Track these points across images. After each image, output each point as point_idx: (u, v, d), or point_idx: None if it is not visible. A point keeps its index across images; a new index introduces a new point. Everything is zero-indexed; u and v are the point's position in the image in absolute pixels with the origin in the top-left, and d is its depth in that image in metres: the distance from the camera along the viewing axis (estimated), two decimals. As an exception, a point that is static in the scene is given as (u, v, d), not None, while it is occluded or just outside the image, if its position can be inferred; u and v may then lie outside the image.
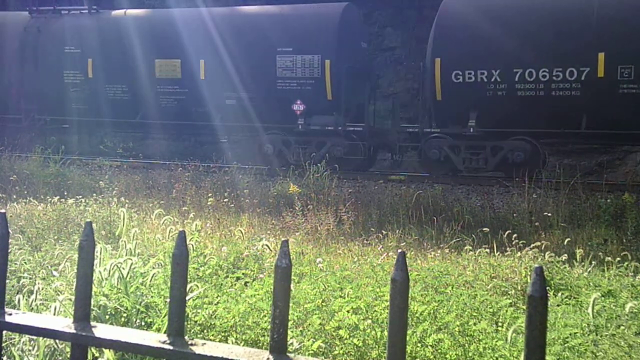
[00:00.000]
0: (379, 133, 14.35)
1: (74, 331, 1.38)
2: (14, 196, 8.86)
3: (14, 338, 3.15)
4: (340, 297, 3.75)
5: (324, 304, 3.63)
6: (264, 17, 14.43)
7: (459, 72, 12.24)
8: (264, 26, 14.12)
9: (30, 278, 4.40)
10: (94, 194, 8.38)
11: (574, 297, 4.57)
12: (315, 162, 12.53)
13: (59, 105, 15.73)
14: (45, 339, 2.91)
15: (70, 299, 3.21)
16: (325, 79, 13.46)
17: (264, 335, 3.30)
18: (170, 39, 14.57)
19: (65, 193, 9.01)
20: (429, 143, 12.85)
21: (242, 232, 6.31)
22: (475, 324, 3.44)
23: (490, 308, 3.97)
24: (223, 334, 3.34)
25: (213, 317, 3.42)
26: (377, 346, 3.20)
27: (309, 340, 3.20)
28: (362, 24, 15.56)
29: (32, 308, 3.48)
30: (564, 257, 5.41)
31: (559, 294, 4.59)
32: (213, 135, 15.30)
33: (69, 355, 1.61)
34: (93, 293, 2.39)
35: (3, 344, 1.52)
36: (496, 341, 3.25)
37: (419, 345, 3.18)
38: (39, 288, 3.64)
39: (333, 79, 13.40)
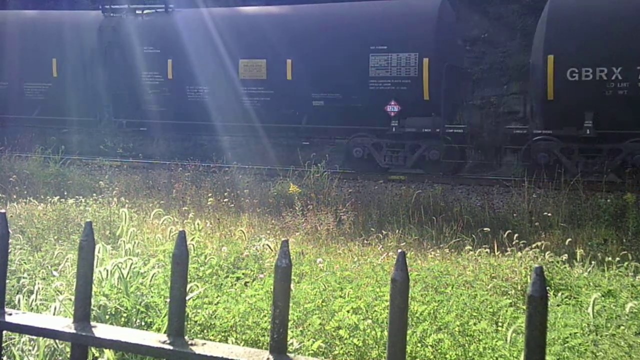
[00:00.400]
0: (478, 135, 13.29)
1: (74, 331, 1.38)
2: (14, 196, 8.86)
3: (14, 338, 3.15)
4: (340, 297, 3.75)
5: (324, 304, 3.63)
6: (356, 13, 13.70)
7: (575, 70, 11.47)
8: (356, 23, 13.43)
9: (30, 278, 4.40)
10: (94, 194, 8.38)
11: (574, 297, 4.56)
12: (408, 166, 12.05)
13: (136, 108, 15.15)
14: (45, 339, 2.91)
15: (70, 299, 3.21)
16: (422, 78, 12.75)
17: (264, 335, 3.30)
18: (255, 38, 13.98)
19: (65, 193, 9.01)
20: (537, 145, 12.00)
21: (242, 232, 6.31)
22: (475, 324, 3.44)
23: (490, 308, 3.97)
24: (223, 334, 3.34)
25: (213, 317, 3.42)
26: (377, 346, 3.20)
27: (309, 340, 3.20)
28: (456, 19, 14.82)
29: (32, 308, 3.48)
30: (564, 257, 5.41)
31: (559, 294, 4.59)
32: (295, 137, 14.72)
33: (69, 355, 1.61)
34: (93, 293, 2.39)
35: (3, 344, 1.52)
36: (496, 341, 3.25)
37: (419, 345, 3.18)
38: (39, 288, 3.64)
39: (431, 78, 12.66)
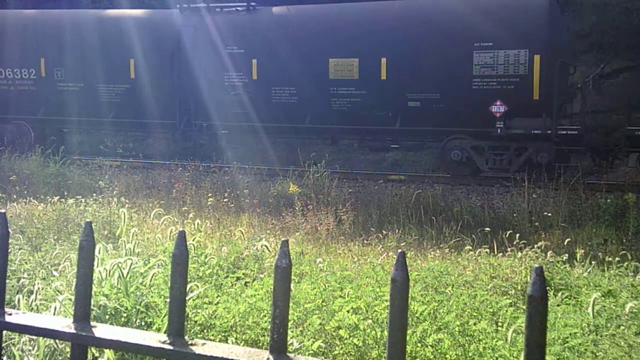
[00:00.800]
0: (593, 136, 12.39)
1: (74, 331, 1.38)
2: (14, 196, 8.86)
3: (14, 338, 3.15)
4: (341, 297, 3.75)
5: (324, 304, 3.63)
6: (458, 8, 12.72)
7: None
8: (458, 19, 12.57)
9: (30, 278, 4.40)
10: (94, 194, 8.38)
11: (574, 297, 4.56)
12: (512, 170, 11.53)
13: (217, 110, 14.38)
14: (45, 339, 2.91)
15: (70, 299, 3.21)
16: (532, 76, 11.93)
17: (264, 335, 3.30)
18: (346, 36, 13.22)
19: (65, 193, 9.01)
20: None
21: (242, 232, 6.31)
22: (475, 324, 3.44)
23: (490, 308, 3.97)
24: (223, 334, 3.34)
25: (213, 317, 3.42)
26: (377, 346, 3.20)
27: (309, 340, 3.20)
28: (560, 12, 14.06)
29: (32, 308, 3.48)
30: (564, 257, 5.41)
31: (559, 294, 4.59)
32: (385, 140, 14.15)
33: (69, 355, 1.61)
34: (93, 293, 2.39)
35: (3, 344, 1.52)
36: (496, 341, 3.25)
37: (419, 345, 3.18)
38: (39, 288, 3.64)
39: (542, 76, 11.89)
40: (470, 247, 6.13)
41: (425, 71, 12.58)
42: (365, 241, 7.17)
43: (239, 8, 14.64)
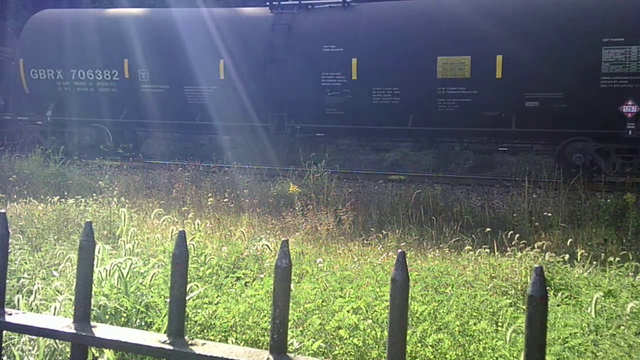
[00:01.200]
0: None
1: (74, 331, 1.38)
2: (14, 196, 8.86)
3: (14, 338, 3.15)
4: (341, 297, 3.75)
5: (324, 304, 3.63)
6: (585, 2, 11.89)
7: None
8: (585, 13, 11.80)
9: (30, 278, 4.40)
10: (94, 194, 8.39)
11: (574, 297, 4.57)
12: None
13: (313, 111, 13.69)
14: (45, 339, 2.91)
15: (70, 299, 3.21)
16: None
17: (264, 335, 3.30)
18: (456, 32, 12.43)
19: (65, 193, 9.01)
20: None
21: (243, 232, 6.31)
22: (475, 324, 3.44)
23: (490, 308, 3.97)
24: (223, 334, 3.34)
25: (213, 317, 3.42)
26: (377, 346, 3.20)
27: (309, 340, 3.20)
28: None
29: (32, 308, 3.48)
30: (564, 257, 5.41)
31: (559, 294, 4.59)
32: (494, 142, 13.32)
33: (69, 355, 1.61)
34: (93, 293, 2.39)
35: (3, 344, 1.52)
36: (496, 341, 3.25)
37: (419, 345, 3.18)
38: (39, 288, 3.64)
39: None
40: (470, 247, 6.13)
41: (547, 69, 11.72)
42: (365, 241, 7.17)
43: (332, 5, 13.95)
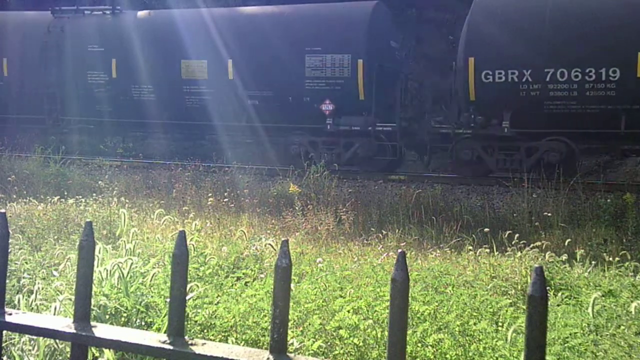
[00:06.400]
0: None
1: (74, 331, 1.38)
2: (14, 196, 8.86)
3: (14, 338, 3.15)
4: (341, 297, 3.75)
5: (324, 303, 3.63)
6: None
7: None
8: None
9: (30, 278, 4.40)
10: (94, 194, 8.39)
11: (574, 297, 4.56)
12: None
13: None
14: (45, 339, 2.91)
15: (70, 299, 3.21)
16: None
17: (264, 335, 3.30)
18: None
19: (65, 193, 9.01)
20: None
21: (243, 232, 6.31)
22: (475, 324, 3.44)
23: (490, 308, 3.97)
24: (223, 333, 3.34)
25: (213, 317, 3.42)
26: (377, 346, 3.20)
27: (309, 340, 3.20)
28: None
29: (32, 308, 3.48)
30: (564, 257, 5.41)
31: (559, 294, 4.59)
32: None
33: (69, 355, 1.61)
34: (93, 293, 2.39)
35: (3, 344, 1.52)
36: (496, 341, 3.25)
37: (419, 345, 3.18)
38: (39, 288, 3.64)
39: None
40: (471, 247, 6.13)
41: None
42: (365, 241, 7.17)
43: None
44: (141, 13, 15.56)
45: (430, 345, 3.16)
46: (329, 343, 3.29)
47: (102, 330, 1.37)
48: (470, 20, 12.44)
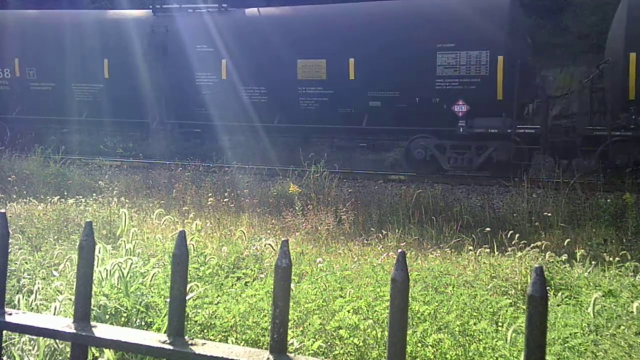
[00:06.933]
0: None
1: (74, 331, 1.38)
2: (14, 196, 8.86)
3: (14, 338, 3.15)
4: (341, 297, 3.75)
5: (324, 303, 3.63)
6: None
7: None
8: None
9: (30, 278, 4.40)
10: (94, 194, 8.39)
11: (574, 297, 4.56)
12: None
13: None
14: (45, 338, 2.91)
15: (70, 299, 3.21)
16: None
17: (264, 335, 3.30)
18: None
19: (65, 193, 9.01)
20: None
21: (243, 232, 6.31)
22: (475, 324, 3.44)
23: (490, 308, 3.97)
24: (223, 333, 3.34)
25: (213, 317, 3.42)
26: (377, 346, 3.20)
27: (309, 340, 3.20)
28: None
29: (32, 308, 3.48)
30: (564, 257, 5.41)
31: (559, 294, 4.59)
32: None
33: (69, 355, 1.61)
34: (93, 293, 2.39)
35: (3, 344, 1.52)
36: (496, 341, 3.25)
37: (420, 345, 3.18)
38: (39, 288, 3.64)
39: None
40: (471, 247, 6.13)
41: None
42: (365, 241, 7.17)
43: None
44: (249, 10, 14.58)
45: (430, 345, 3.16)
46: (329, 343, 3.29)
47: (102, 330, 1.37)
48: (630, 13, 11.45)
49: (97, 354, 2.94)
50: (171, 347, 1.30)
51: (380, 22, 13.21)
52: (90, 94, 15.18)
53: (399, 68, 12.65)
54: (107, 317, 3.30)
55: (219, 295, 3.77)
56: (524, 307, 3.86)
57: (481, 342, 3.25)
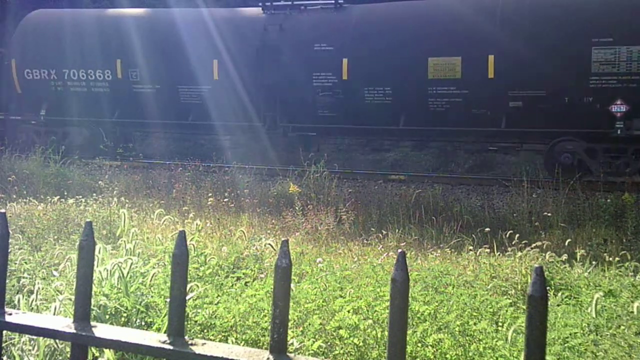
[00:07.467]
0: None
1: (74, 331, 1.38)
2: (14, 196, 8.86)
3: (14, 338, 3.15)
4: (341, 296, 3.75)
5: (324, 303, 3.63)
6: None
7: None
8: None
9: (30, 278, 4.40)
10: (94, 194, 8.39)
11: (574, 297, 4.57)
12: None
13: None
14: (45, 338, 2.91)
15: (70, 299, 3.21)
16: None
17: (264, 335, 3.30)
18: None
19: (65, 193, 9.01)
20: None
21: (243, 232, 6.31)
22: (475, 324, 3.44)
23: (490, 308, 3.97)
24: (223, 333, 3.34)
25: (213, 317, 3.42)
26: (377, 346, 3.20)
27: (309, 340, 3.20)
28: None
29: (32, 308, 3.48)
30: (564, 257, 5.41)
31: (559, 294, 4.59)
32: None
33: (69, 355, 1.61)
34: (93, 293, 2.39)
35: (3, 344, 1.52)
36: (496, 341, 3.25)
37: (419, 345, 3.18)
38: (39, 288, 3.64)
39: None
40: (471, 247, 6.13)
41: None
42: (365, 241, 7.17)
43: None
44: (370, 7, 13.57)
45: (430, 345, 3.16)
46: (329, 343, 3.29)
47: (102, 330, 1.37)
48: None
49: (97, 354, 2.94)
50: (171, 347, 1.30)
51: (526, 13, 11.99)
52: (198, 96, 14.36)
53: (548, 65, 11.48)
54: (107, 317, 3.30)
55: (219, 295, 3.77)
56: (524, 307, 3.86)
57: (481, 342, 3.25)
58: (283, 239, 1.33)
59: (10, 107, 16.54)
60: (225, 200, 9.05)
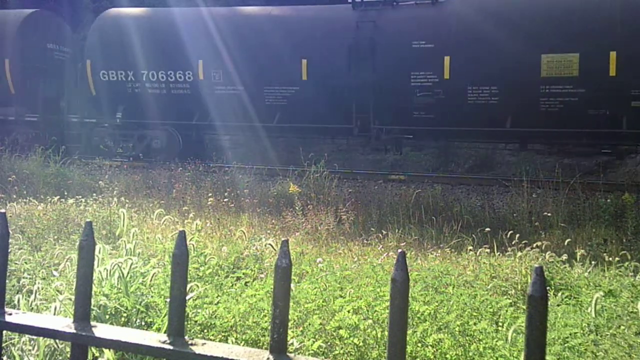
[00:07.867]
0: None
1: (74, 331, 1.38)
2: (14, 196, 8.86)
3: (14, 338, 3.15)
4: (341, 296, 3.75)
5: (324, 303, 3.63)
6: None
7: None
8: None
9: (30, 278, 4.40)
10: (94, 194, 8.39)
11: (574, 297, 4.57)
12: None
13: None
14: (45, 338, 2.91)
15: (70, 299, 3.21)
16: None
17: (264, 335, 3.30)
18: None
19: (65, 193, 9.01)
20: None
21: (243, 232, 6.31)
22: (475, 324, 3.44)
23: (490, 308, 3.97)
24: (223, 333, 3.34)
25: (213, 317, 3.42)
26: (377, 346, 3.20)
27: (309, 340, 3.20)
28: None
29: (32, 308, 3.48)
30: (564, 257, 5.41)
31: (559, 294, 4.59)
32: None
33: (69, 355, 1.61)
34: (93, 293, 2.39)
35: (3, 344, 1.52)
36: (496, 341, 3.25)
37: (419, 345, 3.18)
38: (39, 288, 3.64)
39: None
40: (471, 247, 6.13)
41: None
42: (366, 241, 7.17)
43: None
44: (468, 1, 12.81)
45: (430, 345, 3.16)
46: (329, 343, 3.29)
47: (102, 330, 1.37)
48: None
49: (97, 354, 2.94)
50: (171, 347, 1.30)
51: None
52: (284, 98, 13.68)
53: None
54: (107, 317, 3.30)
55: (219, 295, 3.77)
56: (524, 307, 3.86)
57: (481, 342, 3.25)
58: (283, 239, 1.33)
59: (84, 110, 15.89)
60: (225, 200, 9.05)
